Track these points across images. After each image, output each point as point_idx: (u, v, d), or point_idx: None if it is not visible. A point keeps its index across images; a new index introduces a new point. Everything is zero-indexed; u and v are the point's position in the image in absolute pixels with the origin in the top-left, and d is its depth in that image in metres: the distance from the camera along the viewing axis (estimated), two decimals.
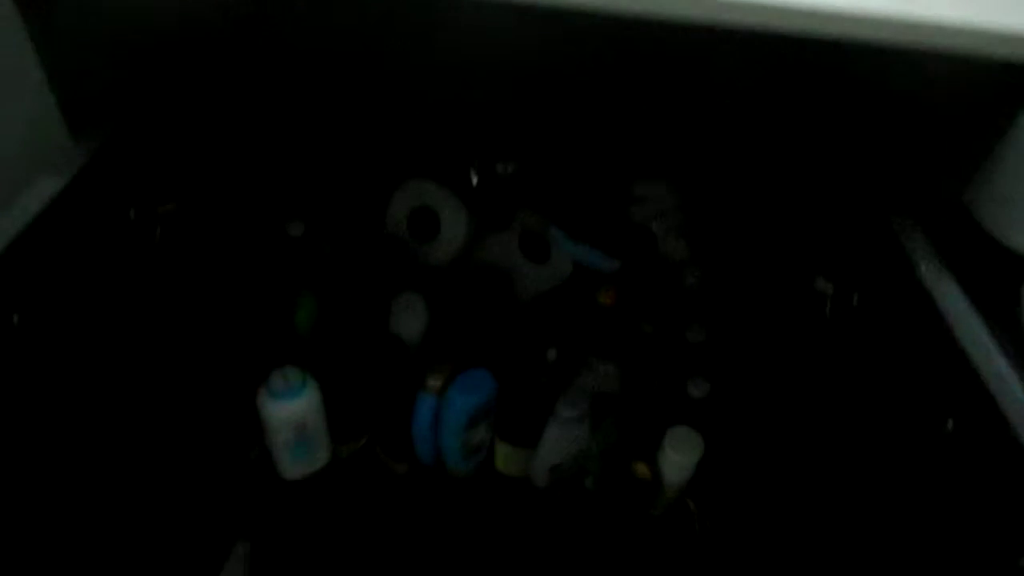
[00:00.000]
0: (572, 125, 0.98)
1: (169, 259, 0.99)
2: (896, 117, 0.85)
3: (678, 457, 1.01)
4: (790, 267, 0.99)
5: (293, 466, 1.07)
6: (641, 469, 1.05)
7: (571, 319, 1.12)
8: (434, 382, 0.99)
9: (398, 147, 1.06)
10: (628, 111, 0.96)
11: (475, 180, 1.06)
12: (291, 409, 0.99)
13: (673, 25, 0.70)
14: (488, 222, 1.10)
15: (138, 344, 0.96)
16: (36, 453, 0.79)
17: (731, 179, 0.98)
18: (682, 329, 1.11)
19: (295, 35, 0.91)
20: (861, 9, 0.68)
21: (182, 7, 0.88)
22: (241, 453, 1.08)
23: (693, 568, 1.08)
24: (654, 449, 1.05)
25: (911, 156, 0.86)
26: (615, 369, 1.05)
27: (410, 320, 1.06)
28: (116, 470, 0.94)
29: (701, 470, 1.03)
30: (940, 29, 0.68)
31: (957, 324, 0.71)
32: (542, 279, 1.15)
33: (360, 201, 1.12)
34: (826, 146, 0.90)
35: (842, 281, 0.89)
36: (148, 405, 0.99)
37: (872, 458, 0.84)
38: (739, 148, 0.94)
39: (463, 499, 1.10)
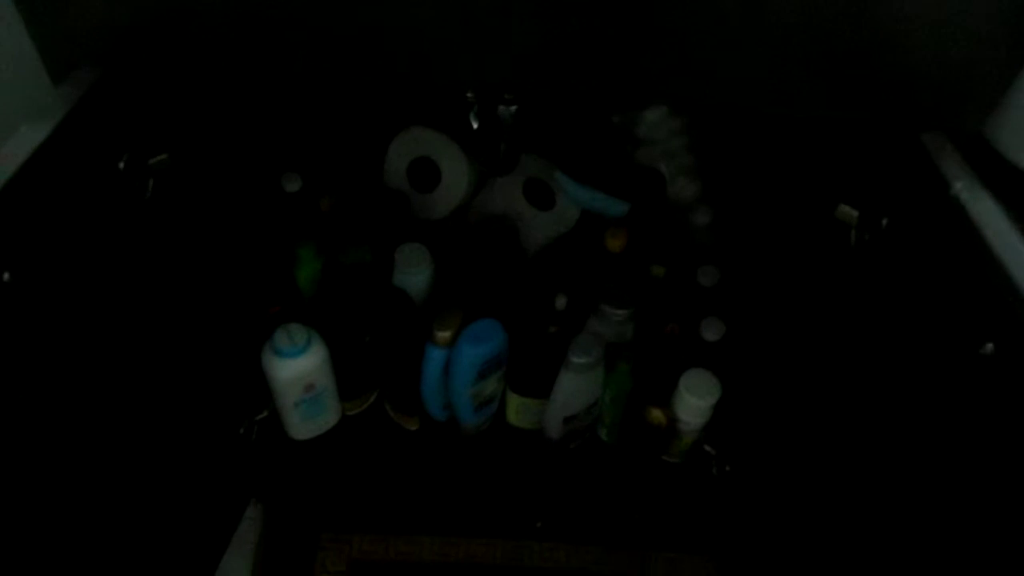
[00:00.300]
0: (571, 52, 0.94)
1: (162, 214, 0.96)
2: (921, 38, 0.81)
3: (694, 400, 0.99)
4: (807, 197, 0.95)
5: (302, 426, 1.05)
6: (656, 415, 1.03)
7: (580, 265, 1.10)
8: (443, 333, 0.96)
9: (393, 94, 1.03)
10: (629, 33, 0.92)
11: (475, 124, 1.02)
12: (298, 367, 0.96)
13: None
14: (491, 168, 1.07)
15: (133, 304, 0.93)
16: (35, 416, 0.77)
17: (741, 107, 0.94)
18: (694, 271, 1.08)
19: None
20: None
21: None
22: (249, 415, 1.06)
23: (712, 513, 1.06)
24: (669, 394, 1.03)
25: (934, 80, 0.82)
26: (627, 315, 1.02)
27: (414, 272, 1.03)
28: (118, 436, 0.92)
29: (718, 413, 1.01)
30: None
31: (996, 242, 0.68)
32: (549, 226, 1.13)
33: (357, 152, 1.09)
34: (842, 66, 0.86)
35: (869, 206, 0.86)
36: (148, 369, 0.97)
37: (902, 389, 0.82)
38: (750, 71, 0.90)
39: (476, 454, 1.08)
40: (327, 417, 1.07)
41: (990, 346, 0.64)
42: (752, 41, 0.89)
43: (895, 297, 0.84)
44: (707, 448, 1.07)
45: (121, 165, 0.87)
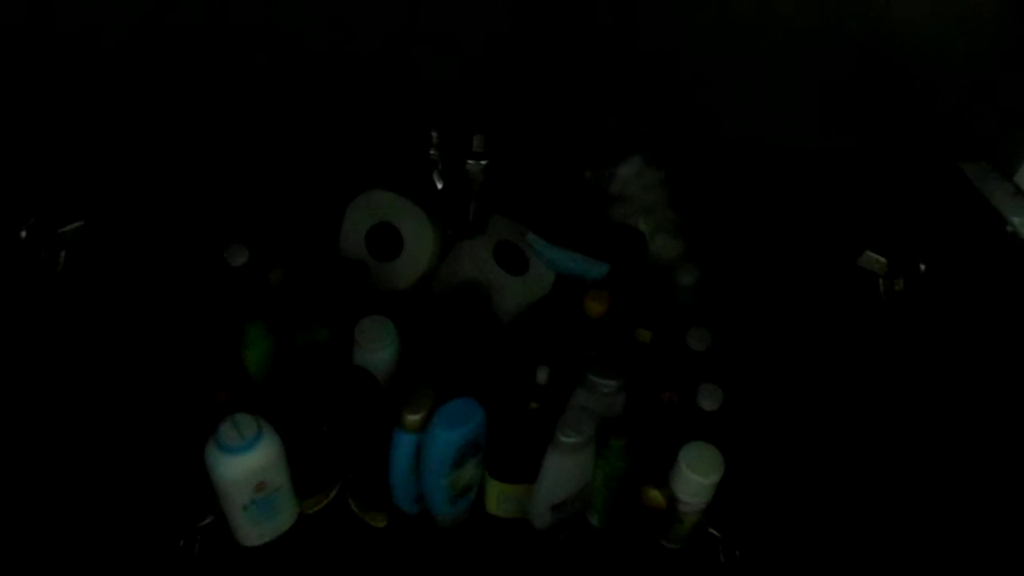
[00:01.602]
0: (540, 105, 0.89)
1: (77, 291, 0.86)
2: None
3: (697, 477, 0.90)
4: (819, 245, 0.89)
5: (253, 531, 0.94)
6: (654, 496, 0.94)
7: (559, 334, 1.02)
8: (412, 417, 0.87)
9: (350, 154, 0.96)
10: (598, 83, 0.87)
11: (440, 184, 0.95)
12: (247, 465, 0.86)
13: None
14: (459, 231, 0.99)
15: (41, 398, 0.81)
16: None
17: (748, 143, 0.88)
18: (683, 335, 1.01)
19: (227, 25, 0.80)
20: None
21: None
22: (190, 522, 0.95)
23: None
24: (666, 472, 0.94)
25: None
26: (617, 386, 0.94)
27: (378, 348, 0.94)
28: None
29: (721, 491, 0.92)
30: None
31: None
32: (523, 292, 1.06)
33: (310, 219, 1.01)
34: (861, 93, 0.80)
35: (901, 250, 0.79)
36: (62, 474, 0.85)
37: (945, 464, 0.74)
38: (757, 101, 0.84)
39: (453, 551, 0.98)
40: (282, 519, 0.96)
41: None
42: (761, 68, 0.84)
43: (937, 354, 0.76)
44: (712, 531, 0.98)
45: (23, 234, 0.76)
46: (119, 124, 0.85)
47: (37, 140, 0.80)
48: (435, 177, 0.96)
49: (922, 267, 0.75)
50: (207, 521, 0.95)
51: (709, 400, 0.95)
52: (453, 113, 0.90)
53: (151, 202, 0.93)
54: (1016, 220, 0.66)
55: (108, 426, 0.99)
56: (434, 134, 0.89)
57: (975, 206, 0.71)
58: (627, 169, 1.09)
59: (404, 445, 0.88)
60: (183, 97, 0.85)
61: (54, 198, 0.82)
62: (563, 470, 0.90)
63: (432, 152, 0.93)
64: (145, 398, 0.99)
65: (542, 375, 0.94)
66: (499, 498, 0.98)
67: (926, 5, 0.73)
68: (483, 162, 0.91)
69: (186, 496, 0.94)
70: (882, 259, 0.78)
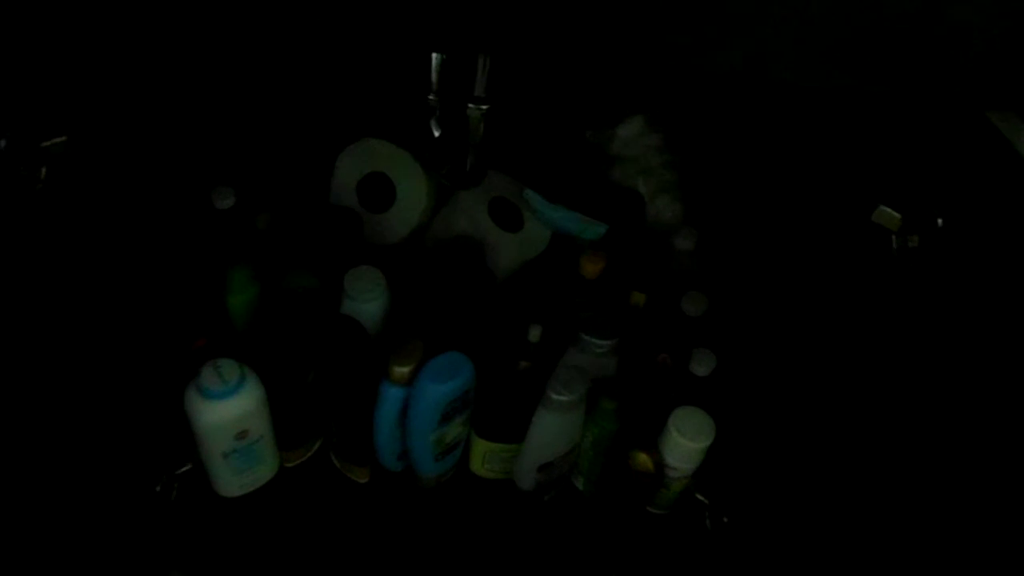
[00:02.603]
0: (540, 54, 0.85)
1: (58, 211, 0.82)
2: None
3: (686, 442, 0.89)
4: (825, 202, 0.87)
5: (233, 480, 0.92)
6: (642, 460, 0.93)
7: (553, 293, 1.00)
8: (400, 369, 0.84)
9: (345, 97, 0.92)
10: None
11: (437, 132, 0.92)
12: (228, 411, 0.84)
13: None
14: (455, 182, 0.97)
15: (16, 324, 0.78)
16: None
17: (759, 79, 0.85)
18: (678, 299, 0.99)
19: None
20: None
21: None
22: (168, 469, 0.93)
23: (707, 572, 0.95)
24: (655, 436, 0.92)
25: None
26: (611, 346, 0.92)
27: (367, 299, 0.92)
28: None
29: (710, 457, 0.91)
30: None
31: None
32: (517, 250, 1.04)
33: (300, 164, 0.99)
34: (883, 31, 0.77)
35: (918, 204, 0.76)
36: (43, 411, 0.82)
37: (954, 431, 0.72)
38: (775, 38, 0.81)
39: (435, 510, 0.97)
40: (262, 469, 0.94)
41: None
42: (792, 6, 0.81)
43: (959, 312, 0.74)
44: (699, 497, 0.97)
45: (2, 145, 0.72)
46: (109, 43, 0.81)
47: (21, 50, 0.76)
48: (432, 124, 0.93)
49: (939, 222, 0.73)
50: (185, 468, 0.93)
51: (702, 365, 0.94)
52: (459, 36, 0.86)
53: (139, 128, 0.89)
54: None
55: (83, 364, 0.96)
56: (435, 73, 0.85)
57: (1003, 157, 0.68)
58: (628, 130, 1.07)
59: (391, 398, 0.86)
60: (175, 25, 0.81)
61: (37, 111, 0.78)
62: (552, 429, 0.88)
63: (431, 97, 0.90)
64: (123, 339, 0.96)
65: (534, 333, 0.93)
66: (485, 457, 0.96)
67: None
68: (484, 107, 0.88)
69: (164, 442, 0.92)
70: (896, 215, 0.76)
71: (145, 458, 0.93)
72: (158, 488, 0.91)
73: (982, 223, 0.71)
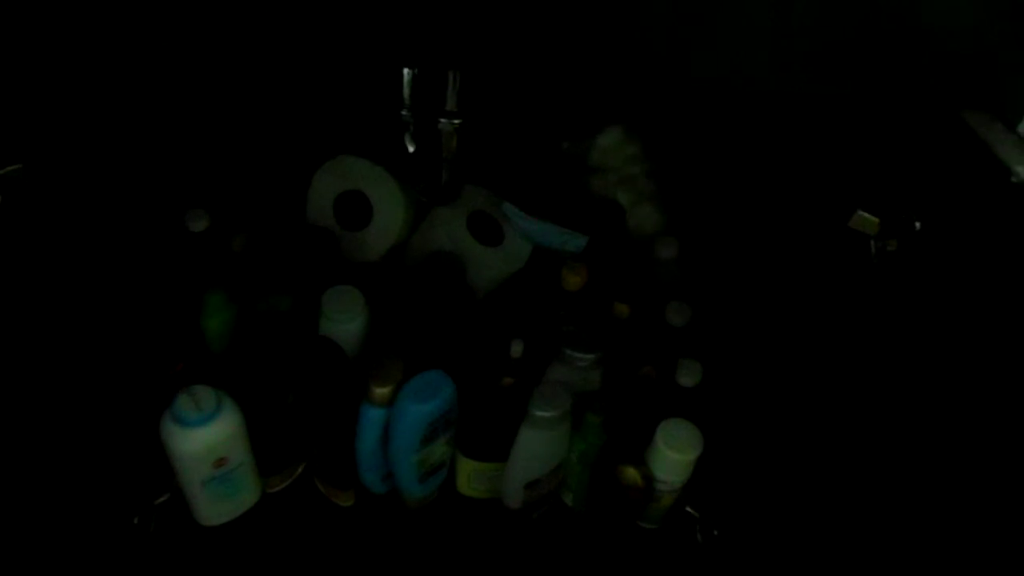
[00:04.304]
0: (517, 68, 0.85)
1: (14, 244, 0.81)
2: None
3: (674, 455, 0.88)
4: (804, 207, 0.87)
5: (213, 509, 0.91)
6: (631, 474, 0.92)
7: (535, 307, 1.00)
8: (381, 390, 0.83)
9: (319, 115, 0.91)
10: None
11: (411, 147, 0.91)
12: (205, 438, 0.83)
13: None
14: (431, 197, 0.96)
15: None
16: None
17: (739, 87, 0.85)
18: (662, 309, 0.99)
19: None
20: None
21: None
22: (145, 500, 0.91)
23: None
24: (643, 449, 0.91)
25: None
26: (594, 360, 0.91)
27: (346, 319, 0.91)
28: None
29: (699, 469, 0.90)
30: None
31: None
32: (497, 264, 1.03)
33: (275, 185, 0.98)
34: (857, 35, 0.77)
35: (895, 208, 0.76)
36: (16, 442, 0.81)
37: (941, 436, 0.72)
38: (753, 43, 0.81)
39: (423, 532, 0.95)
40: (243, 496, 0.92)
41: None
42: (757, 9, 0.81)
43: (939, 316, 0.74)
44: (689, 510, 0.96)
45: None
46: (69, 60, 0.80)
47: None
48: (407, 140, 0.93)
49: (917, 225, 0.73)
50: (163, 499, 0.92)
51: (688, 376, 0.93)
52: (428, 51, 0.86)
53: (109, 151, 0.88)
54: (1021, 170, 0.64)
55: (56, 397, 0.95)
56: (406, 88, 0.85)
57: (978, 157, 0.68)
58: (606, 140, 1.07)
59: (372, 419, 0.85)
60: (140, 39, 0.80)
61: None
62: (537, 446, 0.87)
63: (404, 113, 0.89)
64: (97, 368, 0.95)
65: (517, 349, 0.92)
66: (470, 477, 0.95)
67: None
68: (456, 121, 0.87)
69: (141, 472, 0.91)
70: (874, 219, 0.76)
71: (122, 489, 0.91)
72: (136, 520, 0.89)
73: (960, 225, 0.71)
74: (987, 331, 0.72)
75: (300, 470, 0.97)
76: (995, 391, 0.73)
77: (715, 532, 0.94)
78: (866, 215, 0.76)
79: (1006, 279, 0.68)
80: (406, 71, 0.84)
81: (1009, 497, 0.69)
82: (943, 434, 0.75)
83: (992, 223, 0.67)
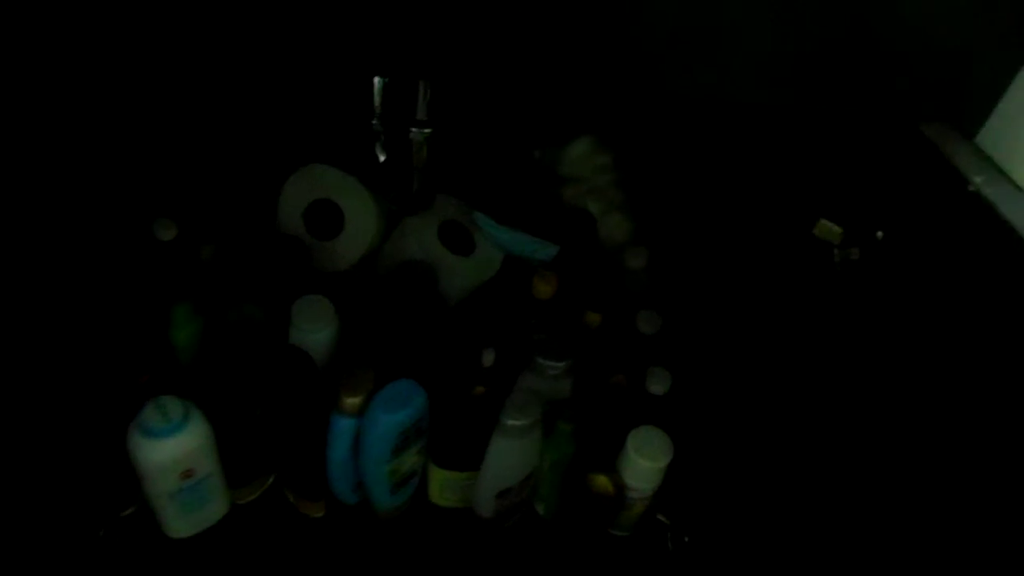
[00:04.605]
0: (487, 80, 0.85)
1: None
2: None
3: (645, 462, 0.89)
4: (769, 217, 0.88)
5: (181, 521, 0.89)
6: (602, 482, 0.92)
7: (506, 316, 0.99)
8: (351, 399, 0.83)
9: (289, 123, 0.91)
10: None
11: (382, 156, 0.91)
12: (173, 449, 0.81)
13: None
14: (402, 206, 0.96)
15: None
16: None
17: (708, 99, 0.86)
18: (632, 318, 0.99)
19: None
20: None
21: None
22: (112, 512, 0.90)
23: None
24: (614, 457, 0.92)
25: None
26: (565, 368, 0.91)
27: (316, 329, 0.90)
28: None
29: (670, 477, 0.91)
30: None
31: None
32: (469, 273, 1.03)
33: (245, 194, 0.97)
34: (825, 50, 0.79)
35: (858, 217, 0.77)
36: None
37: (912, 439, 0.73)
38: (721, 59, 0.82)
39: (395, 542, 0.94)
40: (212, 508, 0.91)
41: None
42: (706, 14, 0.82)
43: (899, 323, 0.75)
44: (660, 518, 0.96)
45: None
46: (35, 67, 0.79)
47: None
48: (377, 149, 0.92)
49: (879, 234, 0.74)
50: (130, 511, 0.90)
51: (658, 384, 0.93)
52: (397, 61, 0.86)
53: (71, 164, 0.86)
54: (978, 179, 0.65)
55: (22, 408, 0.93)
56: (377, 97, 0.85)
57: (936, 167, 0.70)
58: (577, 149, 1.07)
59: (342, 429, 0.85)
60: (109, 45, 0.79)
61: None
62: (509, 455, 0.87)
63: (375, 122, 0.89)
64: (63, 379, 0.93)
65: (488, 357, 0.92)
66: (442, 486, 0.94)
67: None
68: (427, 131, 0.87)
69: (107, 484, 0.89)
70: (837, 228, 0.77)
71: (88, 502, 0.90)
72: (102, 533, 0.88)
73: (920, 234, 0.72)
74: (947, 335, 0.74)
75: (270, 481, 0.96)
76: (955, 391, 0.74)
77: (686, 539, 0.94)
78: (829, 224, 0.77)
79: (963, 284, 0.70)
80: (376, 80, 0.85)
81: (970, 501, 0.71)
82: (909, 434, 0.76)
83: (950, 231, 0.68)
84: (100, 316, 0.92)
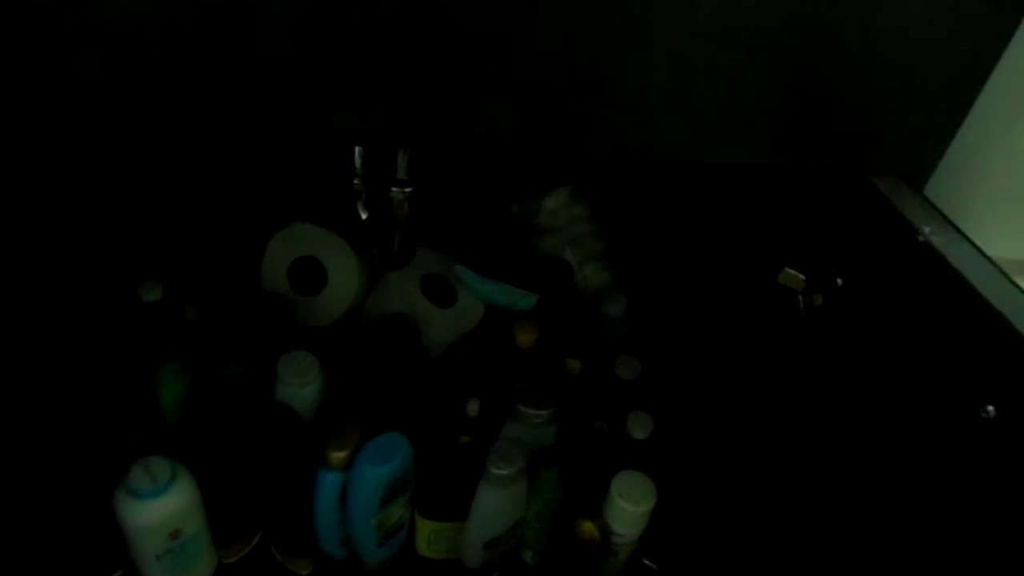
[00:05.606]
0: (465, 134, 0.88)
1: None
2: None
3: (630, 507, 0.89)
4: (738, 266, 0.90)
5: None
6: (588, 528, 0.92)
7: (489, 365, 1.00)
8: (337, 454, 0.83)
9: (271, 184, 0.93)
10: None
11: (364, 214, 0.93)
12: (160, 511, 0.81)
13: None
14: (384, 263, 0.97)
15: None
16: None
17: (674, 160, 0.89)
18: (612, 364, 1.01)
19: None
20: None
21: None
22: (99, 574, 0.88)
23: None
24: (599, 503, 0.92)
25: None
26: (548, 416, 0.92)
27: (301, 384, 0.90)
28: None
29: (654, 521, 0.91)
30: None
31: (987, 289, 0.61)
32: (451, 324, 1.04)
33: (229, 253, 0.97)
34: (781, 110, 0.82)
35: (818, 265, 0.80)
36: None
37: (875, 476, 0.75)
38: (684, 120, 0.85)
39: None
40: (198, 569, 0.90)
41: (992, 408, 0.57)
42: (672, 80, 0.85)
43: (861, 365, 0.77)
44: (647, 562, 0.96)
45: None
46: (19, 128, 0.80)
47: None
48: (359, 207, 0.94)
49: (839, 281, 0.77)
50: (118, 574, 0.89)
51: (639, 428, 0.94)
52: (377, 132, 0.88)
53: (57, 226, 0.87)
54: (927, 229, 0.68)
55: (9, 469, 0.92)
56: (358, 159, 0.87)
57: (888, 219, 0.73)
58: (553, 201, 1.10)
59: (329, 484, 0.85)
60: (92, 106, 0.81)
61: None
62: (495, 504, 0.87)
63: (356, 181, 0.92)
64: (50, 439, 0.93)
65: (472, 407, 0.92)
66: (430, 538, 0.94)
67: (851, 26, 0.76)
68: (407, 189, 0.90)
69: (94, 546, 0.88)
70: (800, 276, 0.80)
71: (75, 565, 0.88)
72: None
73: (875, 281, 0.75)
74: (904, 375, 0.76)
75: (256, 539, 0.95)
76: (912, 429, 0.77)
77: None
78: (793, 272, 0.80)
79: (914, 328, 0.72)
80: (357, 147, 0.87)
81: (933, 538, 0.72)
82: (874, 471, 0.78)
83: (902, 277, 0.71)
84: (87, 378, 0.92)
